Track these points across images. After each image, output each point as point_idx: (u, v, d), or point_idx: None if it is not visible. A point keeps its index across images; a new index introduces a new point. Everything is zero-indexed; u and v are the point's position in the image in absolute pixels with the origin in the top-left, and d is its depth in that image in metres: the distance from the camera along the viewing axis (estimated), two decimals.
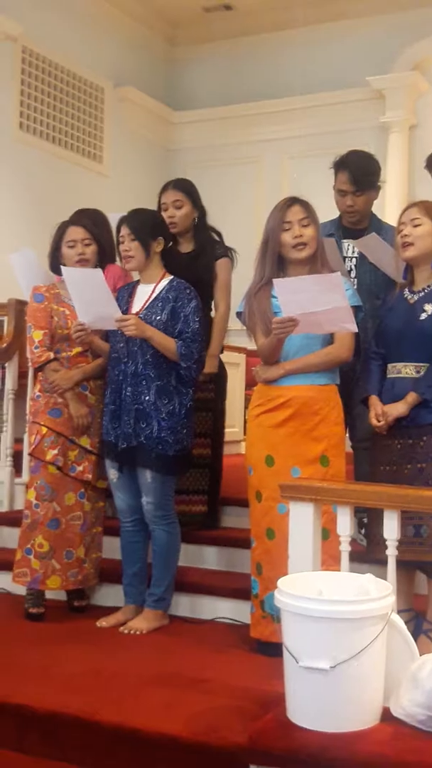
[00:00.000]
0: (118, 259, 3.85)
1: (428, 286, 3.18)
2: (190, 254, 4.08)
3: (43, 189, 7.31)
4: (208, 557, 4.10)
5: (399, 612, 2.63)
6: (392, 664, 2.41)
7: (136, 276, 3.79)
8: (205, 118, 8.73)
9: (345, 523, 2.73)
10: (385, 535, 2.69)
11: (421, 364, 3.11)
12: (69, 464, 3.75)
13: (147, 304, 3.58)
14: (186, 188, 4.11)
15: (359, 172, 3.80)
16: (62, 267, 3.66)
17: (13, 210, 7.13)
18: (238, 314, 3.46)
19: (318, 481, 3.01)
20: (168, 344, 3.49)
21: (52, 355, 3.73)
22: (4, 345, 4.74)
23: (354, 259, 3.84)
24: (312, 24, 8.30)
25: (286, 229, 3.28)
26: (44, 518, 3.69)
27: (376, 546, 2.96)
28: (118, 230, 3.64)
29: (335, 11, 8.16)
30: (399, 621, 2.48)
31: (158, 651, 3.32)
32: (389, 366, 3.21)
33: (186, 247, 4.10)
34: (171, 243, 3.78)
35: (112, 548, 3.89)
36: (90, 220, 4.02)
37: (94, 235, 3.82)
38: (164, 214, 3.97)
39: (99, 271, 3.54)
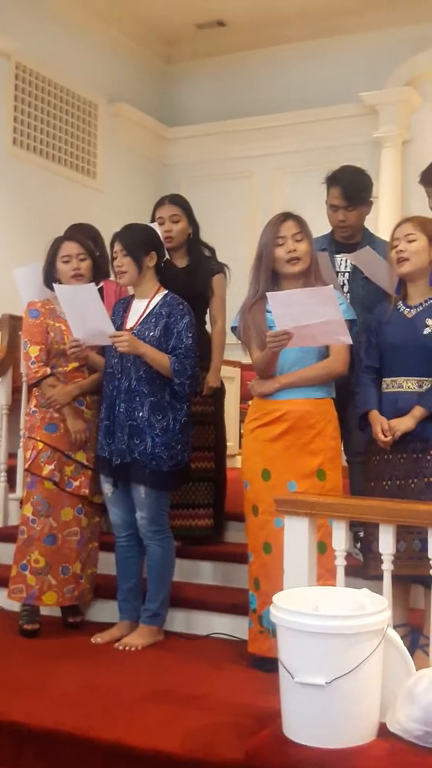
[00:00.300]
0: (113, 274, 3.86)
1: (426, 301, 3.19)
2: (186, 269, 4.10)
3: (37, 204, 7.32)
4: (204, 572, 4.09)
5: (395, 627, 2.62)
6: (388, 679, 2.41)
7: (131, 290, 3.80)
8: (199, 133, 8.76)
9: (340, 538, 2.73)
10: (381, 549, 2.69)
11: (424, 378, 3.12)
12: (65, 479, 3.74)
13: (141, 319, 3.59)
14: (182, 203, 4.15)
15: (351, 188, 3.83)
16: (54, 285, 3.67)
17: (6, 225, 7.14)
18: (233, 329, 3.48)
19: (313, 495, 3.01)
20: (161, 360, 3.49)
21: (48, 370, 3.73)
22: None
23: (347, 274, 3.86)
24: (305, 40, 8.34)
25: (280, 244, 3.30)
26: (40, 534, 3.68)
27: (375, 562, 2.95)
28: (112, 246, 3.65)
29: (328, 27, 8.21)
30: (395, 636, 2.47)
31: (153, 667, 3.30)
32: (387, 380, 3.21)
33: (180, 262, 4.12)
34: (166, 257, 3.79)
35: (106, 564, 3.89)
36: (84, 235, 4.03)
37: (88, 250, 3.83)
38: (160, 228, 3.99)
39: (92, 285, 3.55)
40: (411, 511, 2.68)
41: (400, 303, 3.25)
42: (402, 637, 2.61)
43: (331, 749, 2.28)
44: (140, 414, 3.51)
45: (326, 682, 2.27)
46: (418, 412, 3.07)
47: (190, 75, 8.98)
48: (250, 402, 3.48)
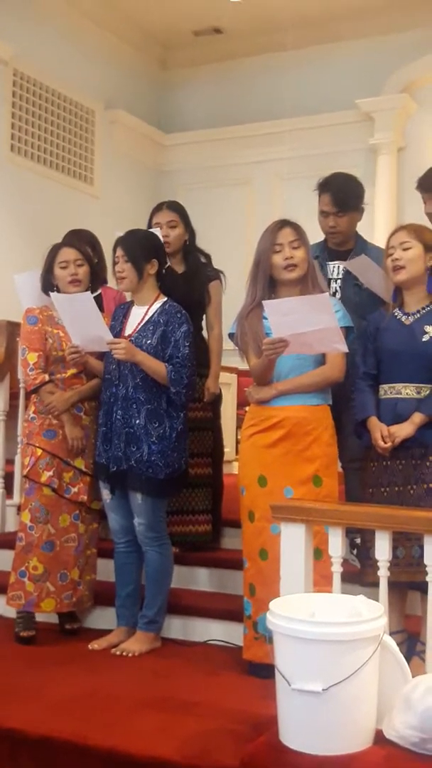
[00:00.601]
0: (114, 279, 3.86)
1: (423, 308, 3.21)
2: (183, 275, 4.11)
3: (34, 210, 7.33)
4: (201, 579, 4.09)
5: (391, 633, 2.63)
6: (385, 686, 2.41)
7: (129, 296, 3.81)
8: (196, 140, 8.78)
9: (336, 544, 2.73)
10: (377, 555, 2.69)
11: (423, 384, 3.12)
12: (64, 486, 3.74)
13: (139, 326, 3.60)
14: (179, 209, 4.17)
15: (341, 194, 3.85)
16: (51, 293, 3.68)
17: (4, 231, 7.15)
18: (231, 335, 3.49)
19: (309, 502, 3.02)
20: (158, 369, 3.50)
21: (47, 377, 3.74)
22: None
23: (339, 281, 3.88)
24: (301, 47, 8.37)
25: (277, 251, 3.31)
26: (39, 540, 3.68)
27: (372, 569, 2.96)
28: (114, 250, 3.66)
29: (324, 34, 8.25)
30: (391, 642, 2.48)
31: (150, 674, 3.30)
32: (385, 386, 3.21)
33: (176, 268, 4.14)
34: (167, 264, 3.80)
35: (103, 570, 3.89)
36: (82, 241, 4.04)
37: (86, 256, 3.83)
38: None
39: (88, 294, 3.56)
40: (407, 517, 2.69)
41: (397, 310, 3.26)
42: (398, 644, 2.61)
43: (328, 756, 2.28)
44: (137, 421, 3.51)
45: (323, 689, 2.28)
46: (417, 418, 3.08)
47: (187, 82, 9.01)
48: (247, 408, 3.48)
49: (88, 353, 3.67)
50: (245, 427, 3.41)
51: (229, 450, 6.24)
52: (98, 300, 3.90)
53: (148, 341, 3.54)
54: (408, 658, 2.65)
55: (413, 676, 2.45)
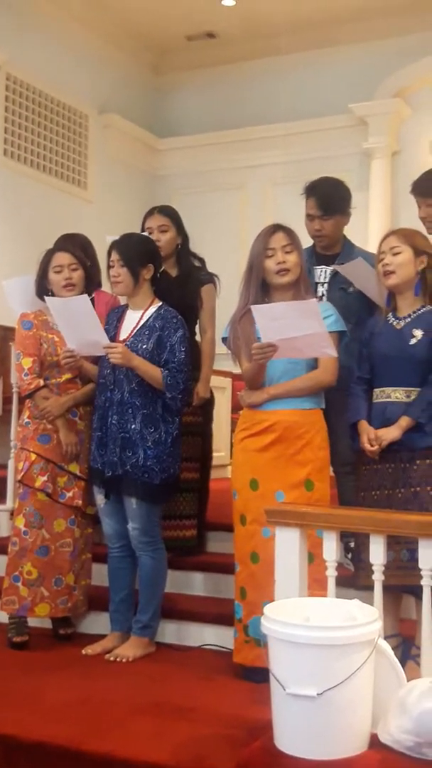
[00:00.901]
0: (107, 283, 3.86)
1: (414, 312, 3.22)
2: (176, 279, 4.11)
3: (28, 215, 7.33)
4: (196, 583, 4.09)
5: (386, 637, 2.63)
6: (380, 690, 2.41)
7: (123, 300, 3.80)
8: (190, 144, 8.79)
9: (331, 548, 2.73)
10: (372, 559, 2.69)
11: (411, 388, 3.13)
12: (58, 491, 3.74)
13: (134, 331, 3.59)
14: (171, 214, 4.17)
15: (327, 197, 3.88)
16: (46, 298, 3.67)
17: None
18: (224, 339, 3.50)
19: (304, 506, 3.02)
20: (154, 374, 3.49)
21: (42, 382, 3.73)
22: None
23: (325, 285, 3.90)
24: (295, 52, 8.39)
25: (270, 255, 3.32)
26: (33, 545, 3.67)
27: (365, 572, 2.96)
28: (109, 254, 3.65)
29: (318, 39, 8.26)
30: (386, 646, 2.48)
31: (145, 679, 3.30)
32: (377, 390, 3.23)
33: (170, 272, 4.12)
34: (162, 269, 3.80)
35: (98, 575, 3.88)
36: (76, 245, 4.03)
37: (80, 260, 3.83)
38: None
39: (85, 297, 3.54)
40: (401, 521, 2.69)
41: (390, 315, 3.28)
42: (393, 648, 2.61)
43: (323, 761, 2.28)
44: (132, 426, 3.51)
45: (317, 694, 2.27)
46: (404, 422, 3.09)
47: (180, 86, 9.02)
48: (240, 412, 3.49)
49: (83, 357, 3.66)
50: (238, 431, 3.41)
51: (224, 454, 6.24)
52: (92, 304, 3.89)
53: (144, 346, 3.53)
54: (403, 662, 2.65)
55: (408, 680, 2.45)
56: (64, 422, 3.74)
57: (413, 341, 3.15)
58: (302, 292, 3.34)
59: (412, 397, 3.13)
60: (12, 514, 4.32)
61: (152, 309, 3.63)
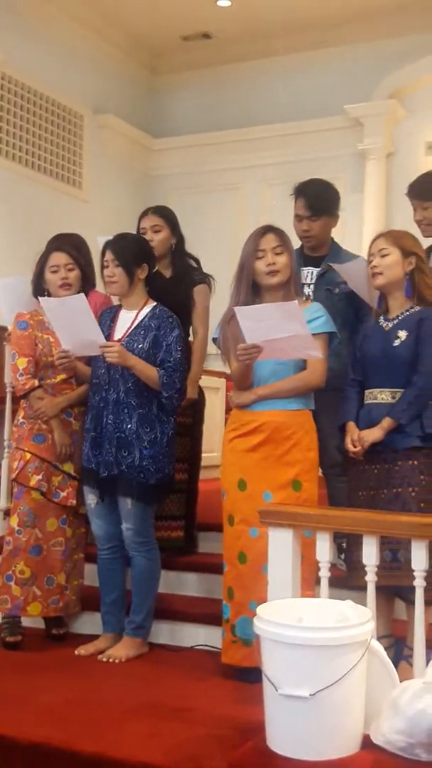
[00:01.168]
0: (101, 283, 3.85)
1: (401, 314, 3.23)
2: (170, 280, 4.11)
3: (23, 215, 7.32)
4: (189, 584, 4.09)
5: (379, 638, 2.63)
6: (372, 691, 2.41)
7: (116, 300, 3.80)
8: (185, 145, 8.79)
9: (324, 549, 2.74)
10: (364, 560, 2.70)
11: (397, 389, 3.15)
12: (53, 490, 3.74)
13: (129, 331, 3.59)
14: (165, 214, 4.17)
15: (315, 198, 3.91)
16: (40, 298, 3.67)
17: None
18: (214, 340, 3.51)
19: (297, 507, 3.03)
20: (150, 373, 3.49)
21: (36, 382, 3.73)
22: None
23: (312, 286, 3.91)
24: (290, 53, 8.39)
25: (260, 256, 3.33)
26: (26, 544, 3.67)
27: (356, 572, 2.97)
28: (103, 254, 3.65)
29: (313, 40, 8.27)
30: (379, 647, 2.48)
31: (138, 679, 3.30)
32: (366, 392, 3.25)
33: (164, 272, 4.13)
34: (155, 269, 3.80)
35: (91, 575, 3.87)
36: (71, 245, 4.03)
37: (76, 259, 3.83)
38: None
39: (82, 296, 3.54)
40: (394, 522, 2.70)
41: (381, 317, 3.29)
42: (386, 649, 2.61)
43: (315, 761, 2.28)
44: (128, 426, 3.51)
45: (310, 694, 2.28)
46: (386, 423, 3.11)
47: (176, 87, 9.01)
48: (230, 413, 3.50)
49: (77, 358, 3.66)
50: (227, 431, 3.43)
51: (216, 454, 6.22)
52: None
53: (140, 345, 3.53)
54: (395, 663, 2.66)
55: (401, 681, 2.45)
56: (58, 423, 3.73)
57: (397, 342, 3.16)
58: (292, 293, 3.35)
59: (398, 398, 3.14)
60: (5, 513, 4.32)
61: (147, 309, 3.63)
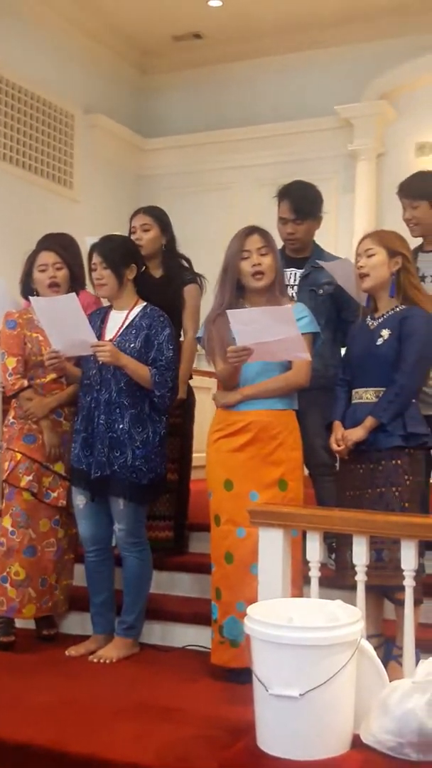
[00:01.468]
0: (89, 284, 3.85)
1: (386, 313, 3.24)
2: (160, 280, 4.11)
3: (13, 214, 7.30)
4: (181, 584, 4.09)
5: (368, 637, 2.64)
6: (362, 691, 2.42)
7: (106, 302, 3.80)
8: (176, 145, 8.78)
9: (314, 549, 2.74)
10: (354, 560, 2.71)
11: (380, 388, 3.16)
12: (43, 491, 3.73)
13: (120, 331, 3.59)
14: (156, 214, 4.18)
15: (300, 201, 3.94)
16: (30, 298, 3.66)
17: None
18: (198, 339, 3.52)
19: (287, 507, 3.03)
20: (142, 372, 3.49)
21: (26, 382, 3.72)
22: None
23: (295, 287, 3.93)
24: (281, 53, 8.39)
25: (245, 257, 3.34)
26: (20, 546, 3.66)
27: (345, 571, 2.98)
28: (90, 257, 3.65)
29: (304, 41, 8.27)
30: (368, 647, 2.49)
31: (128, 680, 3.29)
32: (353, 392, 3.26)
33: (154, 272, 4.13)
34: (144, 268, 3.80)
35: (80, 576, 3.87)
36: (60, 244, 4.03)
37: (65, 259, 3.82)
38: (132, 237, 4.02)
39: (73, 295, 3.52)
40: (384, 522, 2.71)
41: (368, 316, 3.31)
42: (375, 648, 2.62)
43: (305, 761, 2.29)
44: (121, 426, 3.50)
45: (300, 694, 2.28)
46: (368, 422, 3.11)
47: (167, 87, 9.00)
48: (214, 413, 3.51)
49: (66, 358, 3.65)
50: (211, 431, 3.43)
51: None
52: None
53: (132, 345, 3.53)
54: (385, 663, 2.66)
55: (390, 681, 2.46)
56: (48, 424, 3.73)
57: (380, 341, 3.18)
58: (277, 295, 3.37)
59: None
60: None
61: (137, 308, 3.63)
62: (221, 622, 3.27)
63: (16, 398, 3.75)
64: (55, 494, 3.74)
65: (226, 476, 3.31)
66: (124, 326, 3.59)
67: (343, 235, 7.35)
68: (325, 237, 4.12)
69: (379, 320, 3.24)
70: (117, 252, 3.59)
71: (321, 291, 3.91)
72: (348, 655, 2.34)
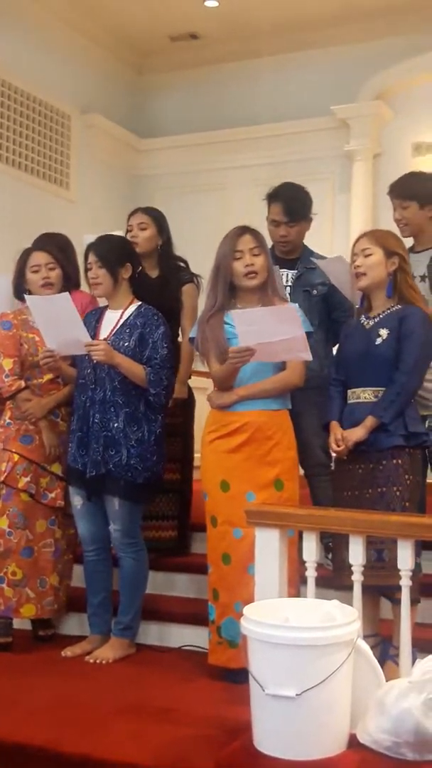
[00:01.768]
0: (86, 284, 3.85)
1: (383, 312, 3.24)
2: (157, 280, 4.11)
3: (9, 215, 7.30)
4: (178, 584, 4.09)
5: (365, 637, 2.64)
6: (358, 690, 2.42)
7: (102, 302, 3.80)
8: (172, 145, 8.78)
9: (311, 549, 2.75)
10: (351, 560, 2.71)
11: (379, 388, 3.16)
12: (41, 491, 3.73)
13: (115, 330, 3.59)
14: (153, 214, 4.19)
15: (292, 203, 3.95)
16: (26, 296, 3.66)
17: None
18: (191, 340, 3.52)
19: (284, 507, 3.03)
20: (136, 371, 3.49)
21: (23, 383, 3.72)
22: None
23: (288, 288, 3.93)
24: (277, 53, 8.39)
25: (237, 257, 3.34)
26: (17, 546, 3.66)
27: (342, 571, 2.98)
28: (86, 257, 3.65)
29: (300, 41, 8.27)
30: (365, 647, 2.49)
31: (125, 680, 3.29)
32: (349, 391, 3.26)
33: (150, 273, 4.14)
34: (140, 268, 3.80)
35: (78, 577, 3.87)
36: (54, 244, 4.03)
37: (58, 259, 3.82)
38: (128, 235, 4.02)
39: (66, 295, 3.53)
40: (380, 522, 2.71)
41: (363, 315, 3.31)
42: (372, 648, 2.62)
43: (302, 761, 2.29)
44: (115, 425, 3.50)
45: (296, 694, 2.28)
46: (369, 422, 3.11)
47: (163, 87, 9.00)
48: (208, 414, 3.50)
49: (62, 358, 3.65)
50: (206, 432, 3.42)
51: None
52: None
53: (126, 344, 3.53)
54: (381, 663, 2.67)
55: (387, 680, 2.46)
56: (47, 424, 3.73)
57: (379, 341, 3.17)
58: (269, 294, 3.37)
59: (380, 397, 3.15)
60: None
61: (132, 308, 3.63)
62: (219, 623, 3.27)
63: (13, 399, 3.75)
64: (52, 495, 3.74)
65: (222, 477, 3.30)
66: (119, 325, 3.59)
67: (339, 235, 7.35)
68: (321, 237, 4.14)
69: (375, 320, 3.24)
70: (112, 251, 3.59)
71: (315, 291, 3.92)
72: (344, 655, 2.34)
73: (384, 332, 3.17)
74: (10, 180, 7.46)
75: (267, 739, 2.37)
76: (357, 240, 3.30)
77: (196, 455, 4.36)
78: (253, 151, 8.37)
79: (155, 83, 9.05)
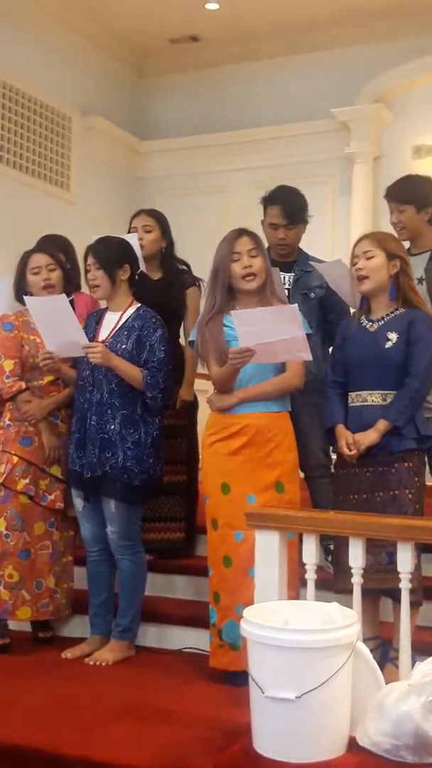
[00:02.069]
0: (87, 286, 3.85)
1: (387, 315, 3.24)
2: (160, 282, 4.12)
3: (9, 216, 7.30)
4: (178, 587, 4.09)
5: (365, 640, 2.64)
6: (358, 693, 2.42)
7: (104, 303, 3.80)
8: (172, 147, 8.78)
9: (310, 551, 2.74)
10: (351, 563, 2.70)
11: (388, 391, 3.15)
12: (40, 493, 3.72)
13: (113, 332, 3.59)
14: (158, 217, 4.22)
15: (290, 206, 3.96)
16: (25, 297, 3.66)
17: None
18: (190, 343, 3.52)
19: (284, 509, 3.03)
20: (133, 373, 3.49)
21: (23, 385, 3.72)
22: None
23: (287, 290, 3.93)
24: (277, 56, 8.39)
25: (236, 259, 3.34)
26: (15, 548, 3.66)
27: (345, 575, 2.97)
28: (86, 259, 3.65)
29: (300, 44, 8.28)
30: (365, 649, 2.49)
31: (124, 682, 3.29)
32: (352, 394, 3.25)
33: (153, 275, 4.14)
34: (140, 270, 3.80)
35: (79, 578, 3.87)
36: (55, 246, 4.03)
37: (58, 260, 3.83)
38: (134, 238, 4.02)
39: (64, 297, 3.54)
40: (381, 524, 2.71)
41: (363, 318, 3.30)
42: (372, 651, 2.62)
43: (301, 764, 2.29)
44: (112, 427, 3.50)
45: (296, 697, 2.28)
46: (382, 425, 3.11)
47: (163, 89, 9.00)
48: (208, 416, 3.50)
49: (61, 360, 3.65)
50: (206, 435, 3.42)
51: None
52: (71, 306, 3.88)
53: (123, 346, 3.53)
54: (381, 665, 2.66)
55: (386, 683, 2.46)
56: (47, 426, 3.73)
57: (389, 344, 3.17)
58: (268, 296, 3.37)
59: (389, 400, 3.15)
60: None
61: (131, 310, 3.64)
62: (220, 625, 3.27)
63: (13, 401, 3.74)
64: (51, 497, 3.74)
65: (223, 480, 3.30)
66: (117, 327, 3.60)
67: (339, 237, 7.35)
68: (321, 239, 4.14)
69: (380, 323, 3.23)
70: (111, 253, 3.60)
71: (313, 294, 3.92)
72: (344, 658, 2.34)
73: (393, 336, 3.16)
74: (11, 182, 7.46)
75: (266, 742, 2.36)
76: (358, 242, 3.30)
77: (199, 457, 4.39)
78: (254, 154, 8.37)
79: (155, 85, 9.05)
